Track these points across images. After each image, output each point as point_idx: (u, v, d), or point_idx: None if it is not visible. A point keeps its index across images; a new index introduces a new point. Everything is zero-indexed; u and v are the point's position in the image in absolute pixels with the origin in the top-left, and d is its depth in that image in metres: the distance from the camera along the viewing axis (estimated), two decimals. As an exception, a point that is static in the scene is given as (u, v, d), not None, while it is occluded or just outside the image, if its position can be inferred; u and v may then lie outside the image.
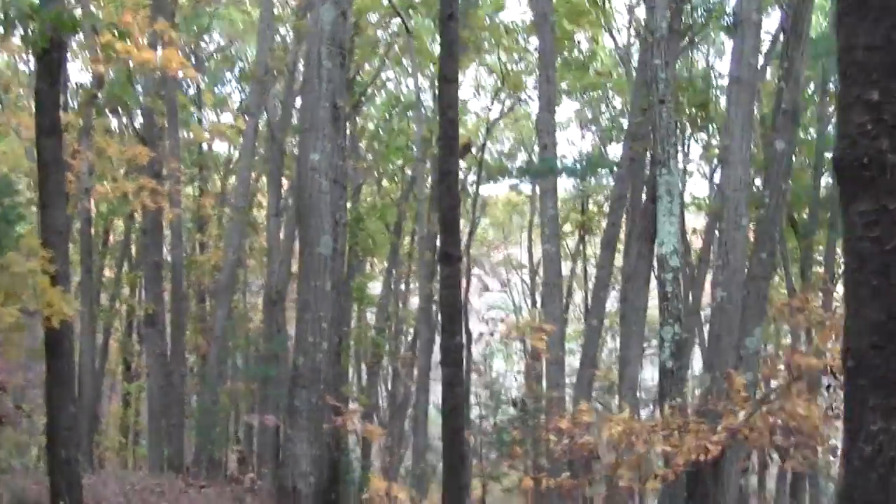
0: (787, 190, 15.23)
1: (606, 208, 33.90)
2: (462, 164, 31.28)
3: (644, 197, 19.55)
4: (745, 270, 12.68)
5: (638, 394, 20.00)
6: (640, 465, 10.96)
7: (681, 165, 22.53)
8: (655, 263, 15.81)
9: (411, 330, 32.40)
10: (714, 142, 25.56)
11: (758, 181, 17.33)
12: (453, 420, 6.70)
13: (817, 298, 16.79)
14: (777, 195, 14.11)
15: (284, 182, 24.53)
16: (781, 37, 16.59)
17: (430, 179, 23.45)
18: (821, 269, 24.79)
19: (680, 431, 10.89)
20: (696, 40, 22.18)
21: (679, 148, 17.23)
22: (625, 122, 23.40)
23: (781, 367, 10.20)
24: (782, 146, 13.94)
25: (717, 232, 26.87)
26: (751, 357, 13.27)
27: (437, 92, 27.15)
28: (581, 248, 33.06)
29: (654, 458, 11.09)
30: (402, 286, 33.15)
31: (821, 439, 9.95)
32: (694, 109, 19.05)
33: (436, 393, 26.76)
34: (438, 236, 6.39)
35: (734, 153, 12.45)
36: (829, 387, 9.43)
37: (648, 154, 21.52)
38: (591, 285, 32.14)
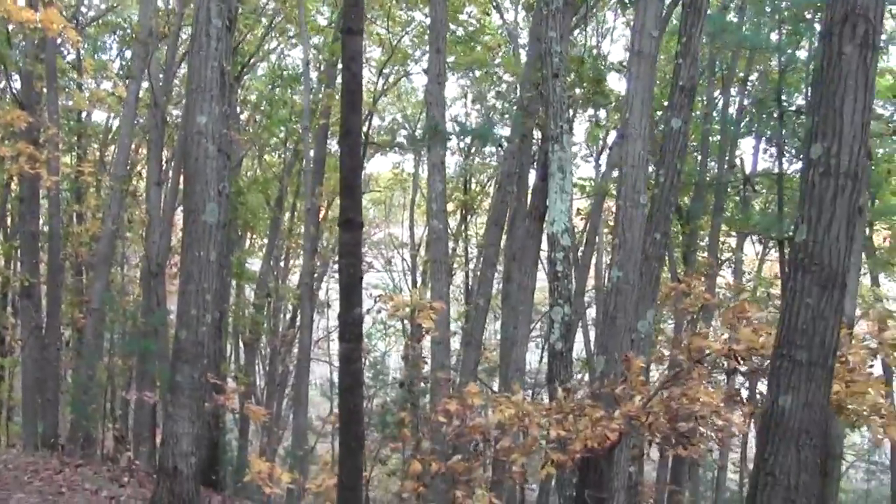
0: (681, 170, 14.92)
1: (490, 189, 33.87)
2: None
3: (533, 174, 19.23)
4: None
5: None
6: (534, 450, 10.49)
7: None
8: (545, 243, 15.43)
9: (290, 307, 31.79)
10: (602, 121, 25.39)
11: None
12: (351, 399, 6.10)
13: (702, 283, 16.63)
14: (672, 174, 13.73)
15: (166, 152, 23.64)
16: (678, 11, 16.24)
17: (313, 153, 22.78)
18: (705, 255, 24.73)
19: (575, 416, 10.46)
20: (590, 13, 21.90)
21: (571, 125, 16.71)
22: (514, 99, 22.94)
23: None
24: (678, 124, 13.57)
25: (602, 214, 26.90)
26: (643, 341, 12.93)
27: (322, 66, 26.66)
28: (463, 228, 32.63)
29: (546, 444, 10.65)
30: (282, 263, 32.47)
31: (717, 426, 9.59)
32: (586, 86, 18.59)
33: (314, 372, 26.14)
34: (339, 201, 5.73)
35: (634, 127, 12.01)
36: (733, 371, 9.03)
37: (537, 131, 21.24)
38: (472, 266, 31.89)
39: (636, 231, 11.89)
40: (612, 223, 27.67)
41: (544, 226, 18.51)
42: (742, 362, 8.88)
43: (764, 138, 22.92)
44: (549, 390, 13.46)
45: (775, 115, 20.00)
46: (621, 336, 11.81)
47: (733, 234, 26.87)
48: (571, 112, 19.54)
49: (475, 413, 10.89)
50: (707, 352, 9.41)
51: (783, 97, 20.15)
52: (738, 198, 23.71)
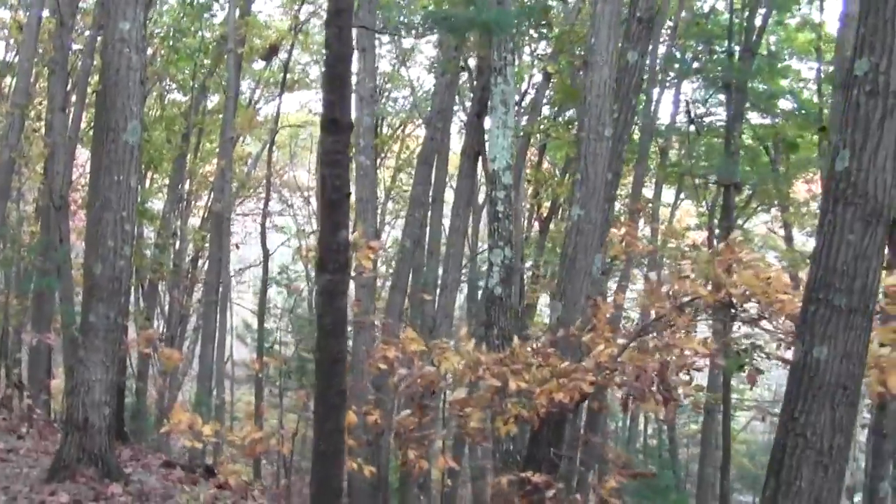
0: (636, 105, 14.11)
1: (400, 132, 32.84)
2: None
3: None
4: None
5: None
6: (493, 403, 9.57)
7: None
8: (484, 181, 14.55)
9: (191, 250, 30.46)
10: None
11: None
12: (334, 344, 5.06)
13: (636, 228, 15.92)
14: (627, 110, 12.96)
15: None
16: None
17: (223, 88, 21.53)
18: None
19: (537, 366, 9.56)
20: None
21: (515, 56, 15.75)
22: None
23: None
24: (635, 57, 12.76)
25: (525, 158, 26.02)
26: (593, 284, 12.13)
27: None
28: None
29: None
30: (184, 204, 30.98)
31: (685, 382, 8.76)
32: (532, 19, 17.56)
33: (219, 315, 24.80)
34: (322, 95, 4.64)
35: (599, 54, 11.07)
36: (733, 319, 8.17)
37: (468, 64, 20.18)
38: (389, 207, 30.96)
39: (600, 166, 10.99)
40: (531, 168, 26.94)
41: (479, 164, 17.66)
42: (738, 310, 8.06)
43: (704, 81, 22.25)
44: (487, 336, 12.63)
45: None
46: (582, 280, 10.93)
47: (648, 183, 26.36)
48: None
49: (423, 362, 9.94)
50: (687, 297, 8.57)
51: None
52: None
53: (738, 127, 19.71)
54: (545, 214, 28.28)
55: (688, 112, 22.16)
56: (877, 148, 5.96)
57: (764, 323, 7.95)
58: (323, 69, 26.57)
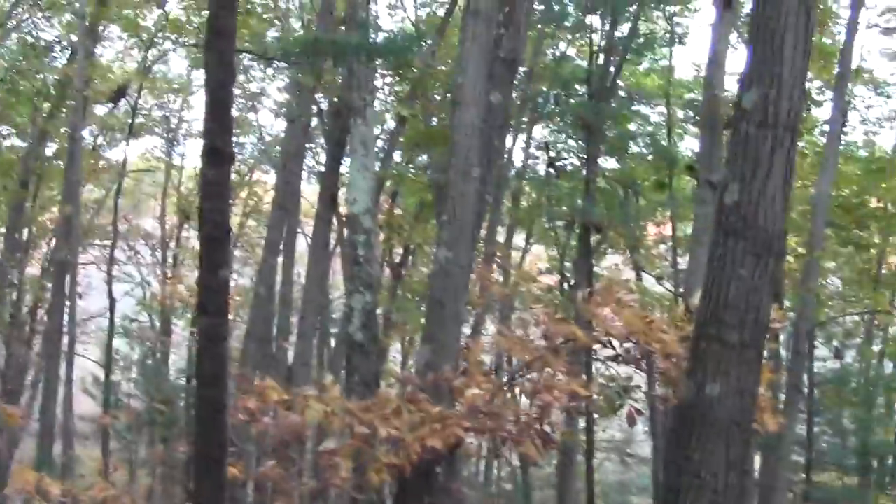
0: (501, 147, 13.99)
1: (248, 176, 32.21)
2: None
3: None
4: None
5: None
6: (363, 452, 9.16)
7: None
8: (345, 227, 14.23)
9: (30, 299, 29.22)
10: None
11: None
12: (214, 393, 4.63)
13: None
14: (490, 152, 12.78)
15: None
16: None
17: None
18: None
19: (409, 412, 9.21)
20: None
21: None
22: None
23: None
24: (498, 98, 12.59)
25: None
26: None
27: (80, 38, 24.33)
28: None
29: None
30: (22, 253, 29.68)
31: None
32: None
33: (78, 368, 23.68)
34: (203, 124, 4.27)
35: (468, 92, 10.87)
36: (614, 358, 7.99)
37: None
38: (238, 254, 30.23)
39: (468, 207, 10.75)
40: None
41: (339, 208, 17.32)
42: (617, 349, 7.89)
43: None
44: (349, 384, 12.26)
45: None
46: (451, 324, 10.63)
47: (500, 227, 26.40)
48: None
49: (289, 411, 9.50)
50: (561, 340, 8.38)
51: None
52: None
53: (594, 169, 19.86)
54: (397, 261, 28.01)
55: (548, 153, 22.24)
56: (766, 179, 5.88)
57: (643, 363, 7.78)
58: (165, 114, 26.08)
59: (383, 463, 8.81)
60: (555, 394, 7.82)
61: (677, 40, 24.97)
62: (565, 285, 30.64)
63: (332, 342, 22.64)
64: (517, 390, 8.60)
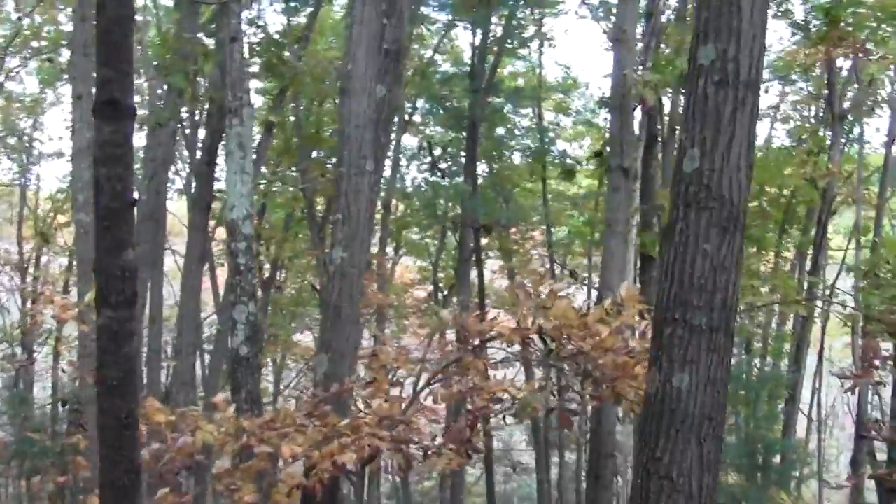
0: (387, 143, 13.23)
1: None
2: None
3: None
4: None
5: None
6: (266, 473, 8.33)
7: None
8: (226, 234, 13.30)
9: None
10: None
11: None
12: (120, 404, 3.80)
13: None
14: (376, 149, 12.06)
15: None
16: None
17: None
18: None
19: (314, 427, 8.42)
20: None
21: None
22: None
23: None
24: (383, 91, 11.87)
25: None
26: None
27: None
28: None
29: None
30: None
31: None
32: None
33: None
34: (97, 73, 3.43)
35: (357, 80, 10.13)
36: (548, 354, 7.28)
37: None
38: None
39: (363, 203, 10.01)
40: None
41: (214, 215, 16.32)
42: (549, 344, 7.20)
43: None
44: (235, 401, 11.37)
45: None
46: (348, 330, 9.85)
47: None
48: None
49: (180, 433, 8.60)
50: (490, 334, 7.67)
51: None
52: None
53: (473, 168, 19.32)
54: (266, 275, 26.99)
55: (431, 153, 21.56)
56: (729, 144, 5.27)
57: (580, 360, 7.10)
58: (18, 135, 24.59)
59: (291, 484, 8.00)
60: (483, 398, 7.09)
61: (547, 42, 24.85)
62: (440, 295, 30.22)
63: (207, 359, 21.51)
64: (430, 398, 7.79)
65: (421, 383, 9.42)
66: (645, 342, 7.05)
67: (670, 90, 15.70)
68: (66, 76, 25.00)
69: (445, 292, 30.55)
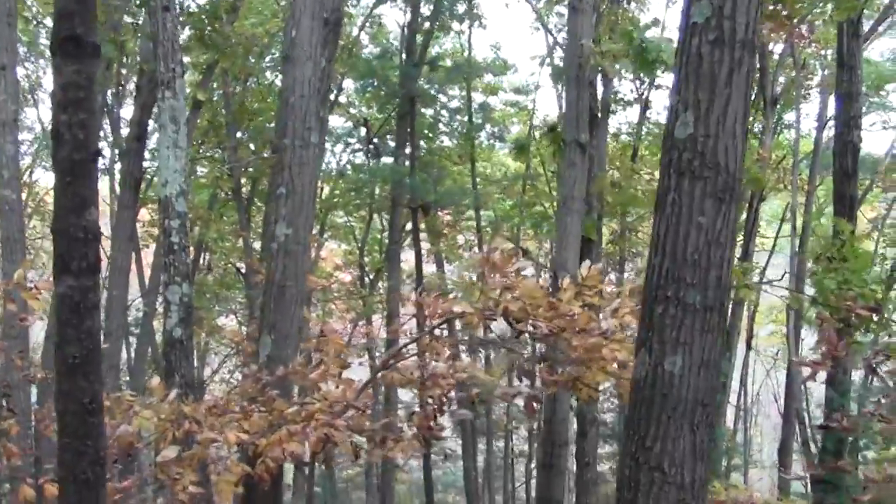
0: (325, 117, 12.78)
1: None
2: None
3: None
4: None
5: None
6: (210, 462, 7.84)
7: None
8: (158, 211, 12.74)
9: None
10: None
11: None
12: (84, 385, 3.36)
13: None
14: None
15: None
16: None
17: None
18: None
19: (259, 412, 7.95)
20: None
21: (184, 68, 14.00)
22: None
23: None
24: (322, 63, 11.41)
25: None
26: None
27: None
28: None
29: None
30: None
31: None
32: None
33: None
34: (55, 6, 2.94)
35: (301, 47, 9.64)
36: (518, 336, 6.86)
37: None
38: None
39: (307, 177, 9.55)
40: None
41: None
42: (514, 326, 6.78)
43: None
44: (169, 386, 10.85)
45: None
46: (293, 310, 9.37)
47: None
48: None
49: (118, 420, 8.08)
50: (450, 314, 7.23)
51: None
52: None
53: (412, 147, 18.88)
54: (192, 257, 26.31)
55: (368, 131, 21.05)
56: (725, 108, 4.90)
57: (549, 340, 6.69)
58: None
59: (238, 473, 7.50)
60: (447, 381, 6.66)
61: (477, 22, 24.56)
62: (366, 279, 29.83)
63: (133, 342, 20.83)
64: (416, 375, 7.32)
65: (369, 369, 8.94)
66: (617, 321, 6.69)
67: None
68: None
69: (371, 276, 30.18)
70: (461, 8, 23.95)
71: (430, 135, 24.68)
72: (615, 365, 6.77)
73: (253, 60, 20.83)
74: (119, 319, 14.86)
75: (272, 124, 22.59)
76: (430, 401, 6.69)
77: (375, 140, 21.75)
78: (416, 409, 7.58)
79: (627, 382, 7.04)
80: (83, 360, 3.54)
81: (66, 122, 3.33)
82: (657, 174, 5.22)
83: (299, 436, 7.23)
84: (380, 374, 7.59)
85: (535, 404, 6.92)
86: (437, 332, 7.33)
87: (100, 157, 3.65)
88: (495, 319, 6.80)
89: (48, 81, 27.60)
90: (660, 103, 26.27)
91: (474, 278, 7.30)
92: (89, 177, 3.46)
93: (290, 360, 8.83)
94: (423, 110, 23.56)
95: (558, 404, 10.97)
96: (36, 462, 12.53)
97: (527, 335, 6.65)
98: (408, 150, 21.74)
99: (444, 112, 25.66)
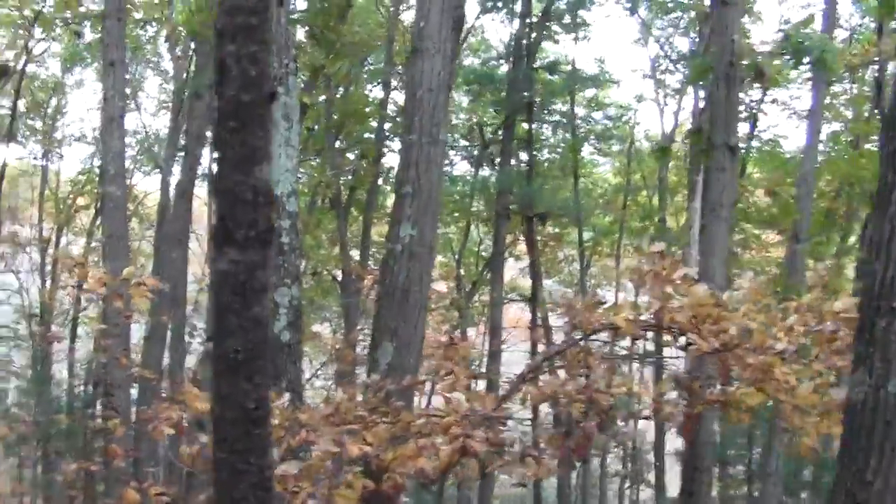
0: (447, 116, 12.23)
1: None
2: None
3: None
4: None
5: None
6: (327, 474, 7.27)
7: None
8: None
9: None
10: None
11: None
12: (246, 384, 2.80)
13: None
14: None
15: None
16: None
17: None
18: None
19: (385, 423, 7.40)
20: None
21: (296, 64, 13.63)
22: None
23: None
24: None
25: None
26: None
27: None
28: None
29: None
30: None
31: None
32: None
33: None
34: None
35: (431, 40, 9.08)
36: (685, 348, 6.20)
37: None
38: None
39: (434, 175, 9.01)
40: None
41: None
42: (678, 338, 6.15)
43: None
44: (277, 392, 10.42)
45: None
46: (417, 316, 8.82)
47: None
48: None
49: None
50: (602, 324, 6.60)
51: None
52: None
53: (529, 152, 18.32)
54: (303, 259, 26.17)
55: (481, 135, 20.54)
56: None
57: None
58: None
59: (360, 488, 6.93)
60: (604, 397, 6.04)
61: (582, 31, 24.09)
62: (462, 291, 29.28)
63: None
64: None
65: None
66: (792, 340, 6.01)
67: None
68: (87, 58, 24.54)
69: (468, 287, 29.64)
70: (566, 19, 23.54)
71: (536, 146, 24.21)
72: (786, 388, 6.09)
73: (353, 68, 20.59)
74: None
75: (370, 135, 22.38)
76: (584, 417, 6.05)
77: (489, 147, 21.17)
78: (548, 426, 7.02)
79: (791, 407, 6.41)
80: (247, 355, 2.89)
81: (234, 52, 2.76)
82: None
83: (429, 450, 6.67)
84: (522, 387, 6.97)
85: (690, 424, 6.26)
86: (583, 343, 6.69)
87: (275, 99, 3.08)
88: (654, 331, 6.18)
89: (150, 85, 27.79)
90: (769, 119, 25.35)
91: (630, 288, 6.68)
92: (261, 124, 2.87)
93: (413, 369, 8.30)
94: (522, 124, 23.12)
95: (703, 425, 10.27)
96: (135, 464, 12.22)
97: (692, 349, 5.97)
98: (518, 158, 21.27)
99: (544, 126, 25.23)
